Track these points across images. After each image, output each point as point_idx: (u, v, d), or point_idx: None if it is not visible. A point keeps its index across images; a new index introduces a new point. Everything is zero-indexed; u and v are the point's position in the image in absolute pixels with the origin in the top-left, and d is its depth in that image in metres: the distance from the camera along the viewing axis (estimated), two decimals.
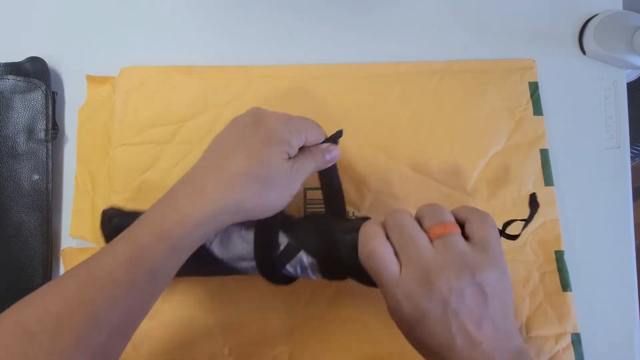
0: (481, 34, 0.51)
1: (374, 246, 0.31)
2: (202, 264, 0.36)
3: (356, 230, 0.34)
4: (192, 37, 0.50)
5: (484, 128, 0.47)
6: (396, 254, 0.30)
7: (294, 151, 0.35)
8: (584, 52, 0.51)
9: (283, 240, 0.36)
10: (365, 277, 0.33)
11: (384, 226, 0.32)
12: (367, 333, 0.43)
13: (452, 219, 0.31)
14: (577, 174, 0.48)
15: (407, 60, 0.49)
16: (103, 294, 0.28)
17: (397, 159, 0.46)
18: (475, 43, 0.50)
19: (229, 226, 0.34)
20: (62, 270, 0.45)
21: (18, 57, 0.47)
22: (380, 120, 0.47)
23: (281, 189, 0.34)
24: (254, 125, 0.34)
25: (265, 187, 0.33)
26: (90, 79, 0.48)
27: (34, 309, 0.27)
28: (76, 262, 0.43)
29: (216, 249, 0.36)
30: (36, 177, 0.45)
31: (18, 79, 0.46)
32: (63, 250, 0.45)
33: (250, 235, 0.37)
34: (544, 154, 0.47)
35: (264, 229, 0.36)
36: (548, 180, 0.46)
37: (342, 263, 0.35)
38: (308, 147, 0.37)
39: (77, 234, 0.45)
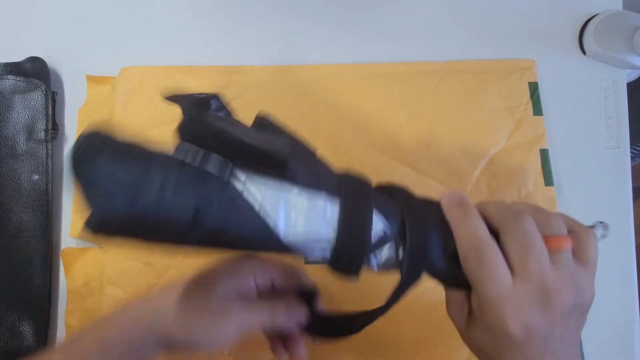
0: (481, 34, 0.51)
1: (487, 255, 0.26)
2: (257, 242, 0.26)
3: (444, 223, 0.28)
4: (192, 37, 0.50)
5: (484, 128, 0.47)
6: (507, 260, 0.27)
7: (247, 287, 0.32)
8: (584, 52, 0.51)
9: (378, 223, 0.27)
10: (452, 279, 0.29)
11: (487, 221, 0.28)
12: (368, 334, 0.43)
13: (566, 231, 0.28)
14: (577, 174, 0.48)
15: (407, 60, 0.49)
16: None
17: (397, 159, 0.46)
18: (475, 43, 0.50)
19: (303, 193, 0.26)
20: (61, 270, 0.45)
21: (18, 57, 0.47)
22: (380, 120, 0.47)
23: (209, 319, 0.29)
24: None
25: (188, 305, 0.30)
26: (90, 79, 0.48)
27: None
28: (76, 262, 0.44)
29: (283, 227, 0.26)
30: (36, 177, 0.45)
31: (18, 79, 0.46)
32: (63, 250, 0.45)
33: (333, 210, 0.27)
34: (544, 154, 0.47)
35: (356, 202, 0.27)
36: (548, 180, 0.46)
37: (431, 263, 0.28)
38: (271, 300, 0.32)
39: (77, 234, 0.45)
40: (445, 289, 0.31)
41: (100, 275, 0.43)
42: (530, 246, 0.26)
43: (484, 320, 0.27)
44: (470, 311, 0.29)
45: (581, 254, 0.28)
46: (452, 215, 0.28)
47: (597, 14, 0.50)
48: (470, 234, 0.27)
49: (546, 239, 0.27)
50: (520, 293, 0.26)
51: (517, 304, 0.26)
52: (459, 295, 0.30)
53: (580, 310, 0.28)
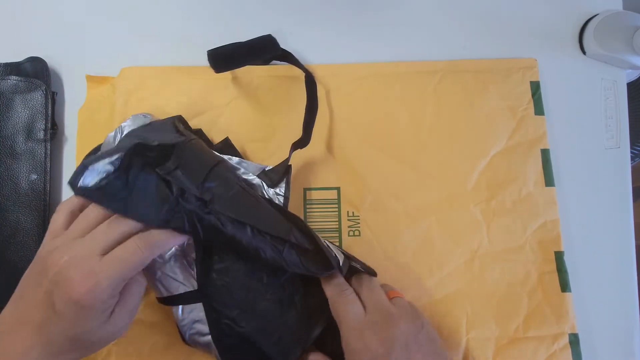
0: (481, 34, 0.50)
1: (346, 295, 0.36)
2: None
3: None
4: (192, 38, 0.50)
5: (484, 128, 0.47)
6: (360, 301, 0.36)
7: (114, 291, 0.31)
8: (584, 52, 0.51)
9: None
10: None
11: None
12: None
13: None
14: (577, 174, 0.48)
15: (407, 60, 0.49)
16: None
17: (397, 159, 0.46)
18: (475, 43, 0.50)
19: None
20: None
21: (18, 57, 0.47)
22: (380, 120, 0.47)
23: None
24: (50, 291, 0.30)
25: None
26: (90, 79, 0.48)
27: None
28: None
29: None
30: (34, 176, 0.45)
31: (18, 79, 0.46)
32: None
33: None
34: (545, 154, 0.47)
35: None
36: (549, 180, 0.46)
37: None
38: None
39: None
40: None
41: None
42: (373, 287, 0.37)
43: (350, 347, 0.34)
44: None
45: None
46: (323, 282, 0.38)
47: (597, 14, 0.50)
48: (334, 285, 0.37)
49: (388, 292, 0.38)
50: (372, 319, 0.35)
51: (372, 325, 0.34)
52: None
53: (425, 332, 0.36)
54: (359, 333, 0.34)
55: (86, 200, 0.33)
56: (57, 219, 0.33)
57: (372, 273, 0.40)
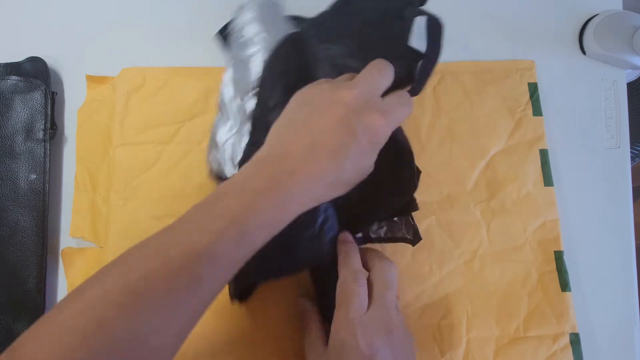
0: (481, 34, 0.50)
1: (358, 282, 0.35)
2: None
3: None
4: (192, 38, 0.50)
5: (483, 128, 0.47)
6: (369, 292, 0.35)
7: None
8: (584, 52, 0.51)
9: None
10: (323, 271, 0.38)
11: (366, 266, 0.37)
12: None
13: None
14: (577, 174, 0.48)
15: None
16: (184, 284, 0.27)
17: None
18: (475, 43, 0.50)
19: None
20: (60, 271, 0.44)
21: (18, 57, 0.47)
22: None
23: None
24: (362, 127, 0.31)
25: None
26: (90, 79, 0.48)
27: (116, 279, 0.27)
28: (76, 263, 0.44)
29: None
30: (33, 176, 0.45)
31: (18, 79, 0.46)
32: (63, 250, 0.45)
33: None
34: (544, 154, 0.47)
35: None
36: (548, 180, 0.46)
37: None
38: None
39: (77, 234, 0.45)
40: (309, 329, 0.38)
41: None
42: (391, 285, 0.35)
43: (339, 339, 0.33)
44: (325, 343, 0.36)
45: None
46: (340, 249, 0.37)
47: (597, 14, 0.50)
48: (350, 270, 0.36)
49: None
50: (372, 318, 0.33)
51: (368, 325, 0.33)
52: (320, 334, 0.37)
53: (409, 344, 0.35)
54: (354, 327, 0.33)
55: None
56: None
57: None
